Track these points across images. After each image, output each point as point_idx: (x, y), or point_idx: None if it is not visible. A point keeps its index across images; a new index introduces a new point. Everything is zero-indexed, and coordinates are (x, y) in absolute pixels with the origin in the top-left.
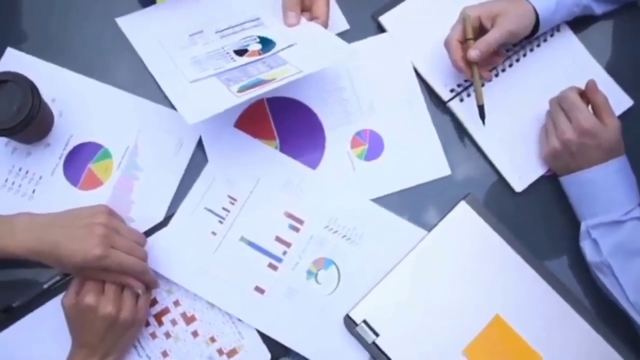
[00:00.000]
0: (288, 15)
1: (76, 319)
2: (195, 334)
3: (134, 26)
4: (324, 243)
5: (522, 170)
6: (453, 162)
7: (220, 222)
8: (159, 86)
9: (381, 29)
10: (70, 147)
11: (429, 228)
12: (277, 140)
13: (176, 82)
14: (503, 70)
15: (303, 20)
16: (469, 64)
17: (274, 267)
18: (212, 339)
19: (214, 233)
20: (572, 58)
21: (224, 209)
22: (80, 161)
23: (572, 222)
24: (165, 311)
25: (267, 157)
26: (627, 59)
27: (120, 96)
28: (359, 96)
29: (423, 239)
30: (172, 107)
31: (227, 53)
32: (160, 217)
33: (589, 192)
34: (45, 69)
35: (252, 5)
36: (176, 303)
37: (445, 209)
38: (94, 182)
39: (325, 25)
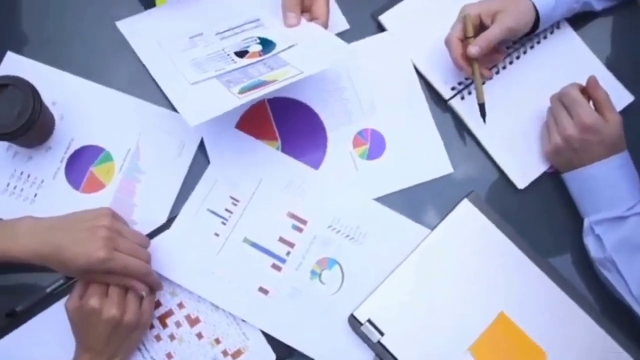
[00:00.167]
0: (288, 16)
1: (80, 323)
2: (199, 335)
3: (134, 29)
4: (328, 243)
5: (524, 167)
6: (455, 160)
7: (223, 223)
8: (159, 88)
9: (381, 28)
10: (71, 151)
11: (432, 226)
12: (279, 141)
13: (177, 84)
14: (504, 68)
15: (303, 20)
16: (470, 61)
17: (278, 268)
18: (217, 341)
19: (217, 234)
20: (573, 55)
21: (226, 210)
22: (81, 164)
23: (575, 219)
24: (169, 313)
25: (269, 158)
26: (627, 55)
27: (121, 99)
28: (360, 96)
29: (426, 237)
30: (173, 109)
31: (228, 55)
32: (162, 220)
33: (592, 188)
34: (45, 72)
35: (252, 7)
36: (180, 305)
37: (448, 207)
38: (96, 185)
39: (325, 25)
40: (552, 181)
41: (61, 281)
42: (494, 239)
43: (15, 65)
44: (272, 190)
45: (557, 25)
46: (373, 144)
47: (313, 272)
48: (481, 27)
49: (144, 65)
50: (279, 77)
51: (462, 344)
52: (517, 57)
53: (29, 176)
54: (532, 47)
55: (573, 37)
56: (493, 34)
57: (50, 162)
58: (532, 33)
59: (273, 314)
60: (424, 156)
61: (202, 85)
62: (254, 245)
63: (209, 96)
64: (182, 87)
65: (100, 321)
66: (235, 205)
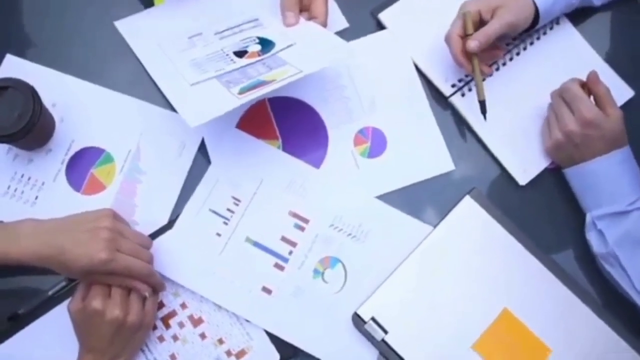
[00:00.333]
0: (287, 15)
1: (83, 324)
2: (203, 336)
3: (132, 29)
4: (330, 242)
5: (525, 164)
6: (456, 157)
7: (225, 223)
8: (159, 89)
9: (381, 26)
10: (72, 153)
11: (435, 224)
12: (280, 140)
13: (177, 84)
14: (504, 64)
15: (302, 19)
16: (470, 58)
17: (281, 267)
18: (220, 341)
19: (219, 234)
20: (572, 50)
21: (228, 210)
22: (82, 166)
23: (577, 214)
24: (173, 314)
25: (270, 157)
26: (627, 51)
27: (121, 100)
28: (360, 94)
29: (429, 234)
30: (174, 109)
31: (227, 55)
32: (164, 220)
33: (593, 183)
34: (44, 74)
35: (251, 6)
36: (183, 305)
37: (449, 204)
38: (97, 187)
39: (324, 24)
40: (553, 177)
41: (63, 283)
42: (496, 236)
43: (15, 67)
44: (274, 189)
45: (556, 21)
46: (374, 142)
47: (316, 271)
48: (481, 23)
49: (143, 66)
50: (277, 77)
51: (466, 340)
52: (517, 54)
53: (29, 179)
54: (531, 44)
55: (572, 33)
56: (492, 28)
57: (51, 164)
58: (531, 29)
59: (276, 314)
60: (425, 154)
61: (202, 86)
62: (256, 244)
63: (208, 97)
64: (181, 87)
65: (104, 322)
66: (236, 205)
